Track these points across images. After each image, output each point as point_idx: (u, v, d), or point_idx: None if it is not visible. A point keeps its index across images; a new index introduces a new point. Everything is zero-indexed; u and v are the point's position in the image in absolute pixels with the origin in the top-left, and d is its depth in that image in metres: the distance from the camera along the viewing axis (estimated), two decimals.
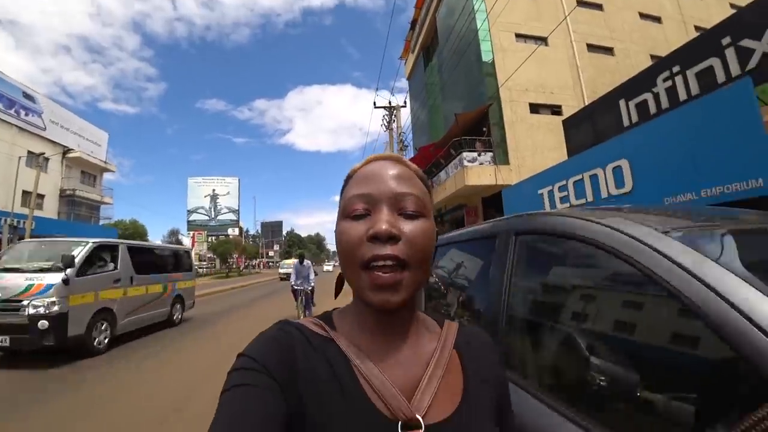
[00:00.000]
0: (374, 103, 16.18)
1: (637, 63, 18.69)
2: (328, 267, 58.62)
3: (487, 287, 1.55)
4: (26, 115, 23.10)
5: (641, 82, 8.59)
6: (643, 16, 21.56)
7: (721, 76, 6.89)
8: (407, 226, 0.51)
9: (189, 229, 60.86)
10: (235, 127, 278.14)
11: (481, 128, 16.01)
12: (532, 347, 1.34)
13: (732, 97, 4.49)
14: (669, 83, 7.87)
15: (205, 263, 50.58)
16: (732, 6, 26.00)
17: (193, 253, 39.20)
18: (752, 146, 4.22)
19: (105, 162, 29.60)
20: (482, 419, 0.55)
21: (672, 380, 0.88)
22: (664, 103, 7.89)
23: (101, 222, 29.64)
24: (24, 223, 18.78)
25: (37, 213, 20.14)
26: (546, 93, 16.69)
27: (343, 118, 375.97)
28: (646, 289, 0.95)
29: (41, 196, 22.89)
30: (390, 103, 15.86)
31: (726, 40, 6.84)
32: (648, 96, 8.36)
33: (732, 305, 0.71)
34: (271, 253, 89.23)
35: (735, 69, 6.69)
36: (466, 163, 14.14)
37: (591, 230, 1.11)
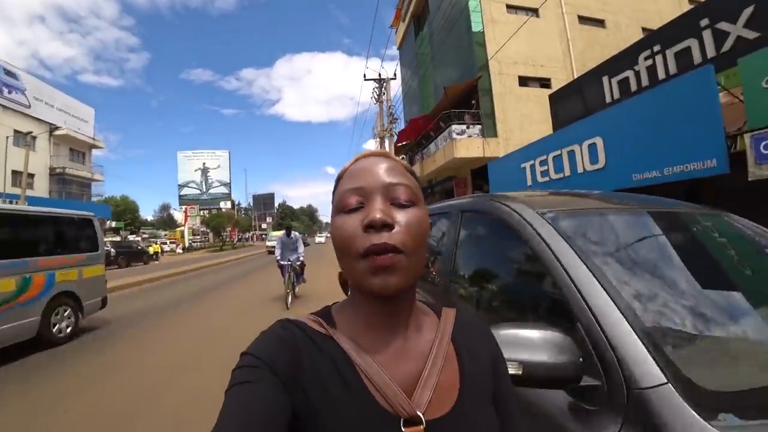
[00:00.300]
0: (364, 76, 16.22)
1: (628, 36, 18.54)
2: (320, 239, 54.80)
3: (444, 250, 2.18)
4: (9, 93, 22.68)
5: (623, 59, 8.81)
6: None
7: (697, 57, 7.16)
8: (400, 215, 0.52)
9: (180, 204, 60.77)
10: (223, 98, 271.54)
11: (470, 101, 16.14)
12: (467, 291, 1.94)
13: (694, 83, 4.82)
14: (650, 62, 8.12)
15: (198, 237, 50.83)
16: None
17: (186, 228, 39.17)
18: (709, 130, 4.59)
19: (93, 138, 29.28)
20: (481, 409, 0.57)
21: (530, 302, 1.48)
22: (644, 81, 8.16)
23: (93, 199, 29.59)
24: (17, 203, 18.85)
25: (28, 192, 20.17)
26: (536, 66, 16.76)
27: (335, 87, 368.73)
28: (527, 251, 1.38)
29: (31, 176, 22.76)
30: (380, 75, 15.88)
31: (704, 22, 7.07)
32: (629, 74, 8.61)
33: (561, 264, 1.18)
34: (264, 226, 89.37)
35: (711, 51, 6.97)
36: (455, 135, 14.39)
37: (500, 210, 1.62)
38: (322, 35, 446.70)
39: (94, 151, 30.32)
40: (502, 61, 15.75)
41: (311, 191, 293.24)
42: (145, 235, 46.03)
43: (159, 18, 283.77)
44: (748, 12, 6.36)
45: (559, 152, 7.31)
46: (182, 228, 58.28)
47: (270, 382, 0.47)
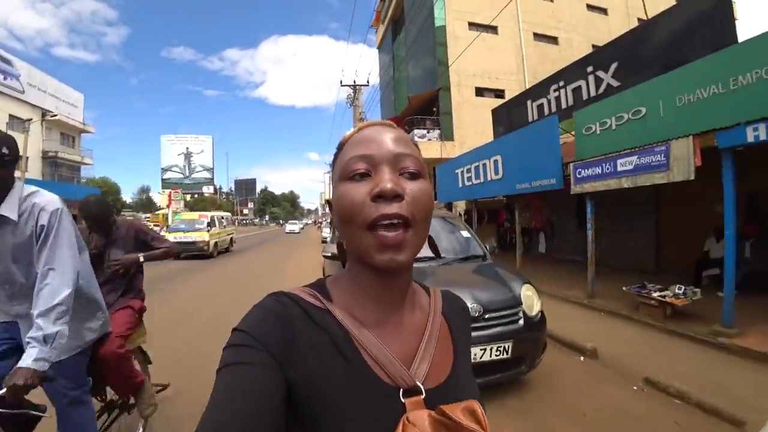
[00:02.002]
0: (341, 82, 18.27)
1: (579, 52, 20.75)
2: (292, 226, 45.60)
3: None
4: (5, 79, 23.82)
5: (541, 89, 11.26)
6: (590, 7, 23.78)
7: (585, 95, 9.62)
8: (409, 186, 0.51)
9: (163, 187, 61.56)
10: (205, 79, 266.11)
11: (431, 108, 18.45)
12: None
13: (545, 126, 7.26)
14: (557, 93, 10.58)
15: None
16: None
17: (170, 212, 40.51)
18: (552, 159, 7.02)
19: (83, 123, 30.48)
20: (469, 380, 0.61)
21: None
22: (554, 108, 10.62)
23: (82, 181, 30.92)
24: None
25: (17, 173, 21.56)
26: (492, 78, 19.14)
27: (320, 72, 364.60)
28: None
29: (23, 158, 24.09)
30: (354, 82, 17.97)
31: (590, 69, 9.53)
32: (544, 101, 11.07)
33: None
34: (245, 211, 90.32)
35: (591, 91, 9.42)
36: (416, 138, 16.70)
37: None
38: (309, 18, 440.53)
39: (83, 135, 31.46)
40: (461, 73, 18.06)
41: (293, 177, 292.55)
42: (129, 218, 46.92)
43: None
44: (614, 65, 8.82)
45: (477, 163, 9.72)
46: (165, 211, 59.21)
47: (262, 362, 0.46)
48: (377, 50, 33.22)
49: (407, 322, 0.58)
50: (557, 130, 7.11)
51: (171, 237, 13.05)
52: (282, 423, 0.46)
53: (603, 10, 24.41)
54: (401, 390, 0.50)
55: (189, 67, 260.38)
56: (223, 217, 17.88)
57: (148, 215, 61.55)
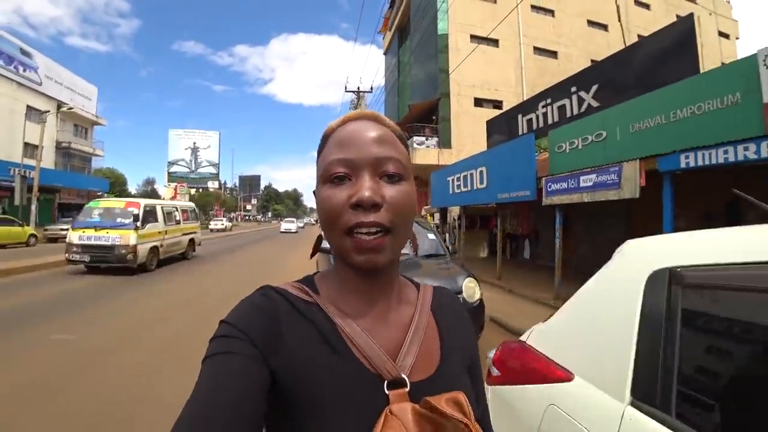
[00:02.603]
0: (345, 87, 19.08)
1: (578, 66, 21.53)
2: (287, 225, 39.92)
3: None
4: (24, 71, 24.78)
5: (531, 104, 12.00)
6: (591, 23, 24.54)
7: (572, 111, 10.34)
8: (389, 191, 0.51)
9: (169, 181, 62.63)
10: (214, 74, 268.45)
11: (431, 116, 19.23)
12: None
13: (522, 143, 8.00)
14: (544, 110, 11.30)
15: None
16: (678, 17, 29.40)
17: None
18: (528, 173, 7.75)
19: (96, 116, 31.44)
20: (459, 377, 0.59)
21: None
22: (541, 123, 11.33)
23: (93, 172, 31.88)
24: (31, 173, 21.28)
25: (33, 162, 22.43)
26: (491, 89, 19.90)
27: (329, 71, 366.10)
28: None
29: (37, 147, 25.03)
30: (358, 89, 18.77)
31: (573, 89, 10.24)
32: (533, 116, 11.79)
33: None
34: (248, 207, 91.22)
35: (574, 110, 10.15)
36: (415, 145, 17.47)
37: None
38: (320, 18, 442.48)
39: (95, 127, 32.41)
40: (461, 84, 18.84)
41: (297, 175, 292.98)
42: None
43: None
44: (595, 87, 9.56)
45: (466, 173, 10.47)
46: None
47: (246, 353, 0.47)
48: (384, 55, 34.03)
49: (394, 316, 0.58)
50: (533, 147, 7.86)
51: (75, 236, 9.61)
52: (262, 412, 0.46)
53: (603, 26, 25.14)
54: (386, 382, 0.50)
55: (198, 61, 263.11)
56: (178, 209, 12.66)
57: None
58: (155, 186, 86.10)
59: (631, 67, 8.54)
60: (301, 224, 51.39)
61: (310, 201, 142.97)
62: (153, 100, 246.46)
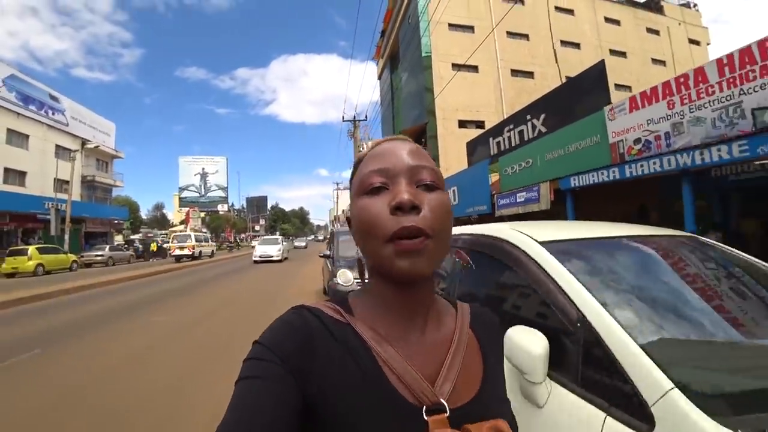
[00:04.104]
0: (342, 118, 21.39)
1: (553, 84, 23.68)
2: (265, 249, 24.44)
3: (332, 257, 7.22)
4: (53, 114, 27.47)
5: (499, 129, 14.04)
6: (564, 43, 26.74)
7: (528, 135, 12.39)
8: (427, 197, 0.51)
9: (181, 206, 65.39)
10: (217, 97, 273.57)
11: (421, 139, 21.40)
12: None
13: (480, 168, 10.08)
14: (510, 134, 13.34)
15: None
16: (648, 30, 31.58)
17: (189, 229, 43.59)
18: (484, 191, 9.81)
19: (115, 150, 34.09)
20: (501, 399, 0.58)
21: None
22: (506, 145, 13.37)
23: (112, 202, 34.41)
24: (63, 206, 23.68)
25: (64, 196, 24.83)
26: (473, 111, 22.07)
27: (329, 90, 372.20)
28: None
29: (66, 182, 27.50)
30: (354, 117, 21.04)
31: (528, 117, 12.29)
32: (501, 138, 13.83)
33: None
34: (257, 228, 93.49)
35: (530, 134, 12.21)
36: None
37: (335, 230, 6.73)
38: (319, 37, 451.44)
39: (115, 160, 35.04)
40: (445, 108, 21.04)
41: (303, 193, 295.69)
42: (150, 235, 50.40)
43: (153, 13, 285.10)
44: (543, 116, 11.62)
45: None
46: (180, 227, 62.95)
47: (279, 376, 0.47)
48: (378, 80, 36.53)
49: (431, 337, 0.56)
50: (487, 170, 9.95)
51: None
52: None
53: (576, 45, 27.37)
54: (424, 408, 0.49)
55: (201, 86, 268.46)
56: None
57: (164, 232, 65.53)
58: (164, 211, 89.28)
59: (565, 99, 10.62)
60: (303, 243, 45.06)
61: (316, 219, 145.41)
62: (158, 126, 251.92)
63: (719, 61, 4.60)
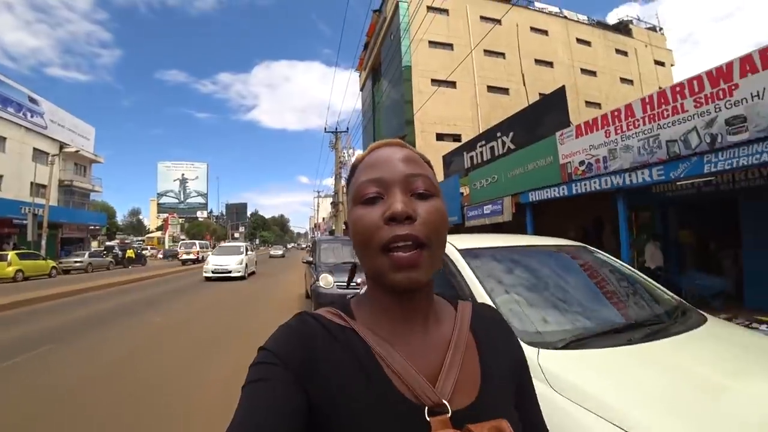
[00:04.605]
0: (325, 129, 22.02)
1: (527, 101, 24.93)
2: (218, 261, 16.21)
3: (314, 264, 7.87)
4: (32, 116, 27.17)
5: (474, 143, 14.95)
6: (538, 61, 28.11)
7: (498, 151, 13.30)
8: (421, 207, 0.52)
9: (159, 212, 64.64)
10: (198, 101, 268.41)
11: None
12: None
13: (452, 182, 10.90)
14: (482, 149, 14.25)
15: (178, 244, 54.90)
16: (617, 51, 33.47)
17: (167, 236, 43.29)
18: (456, 203, 10.60)
19: (94, 154, 33.78)
20: (503, 400, 0.57)
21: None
22: (478, 159, 14.28)
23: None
24: (40, 211, 23.50)
25: (41, 200, 24.59)
26: (450, 125, 23.04)
27: (312, 96, 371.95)
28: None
29: (44, 187, 27.21)
30: (336, 128, 21.72)
31: (499, 134, 13.21)
32: (474, 153, 14.74)
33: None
34: (236, 235, 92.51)
35: (500, 150, 13.12)
36: None
37: (317, 238, 7.38)
38: (302, 44, 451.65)
39: (93, 165, 34.71)
40: (424, 122, 21.93)
41: (283, 200, 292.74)
42: (127, 241, 49.64)
43: (134, 14, 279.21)
44: (511, 134, 12.52)
45: None
46: (157, 234, 62.17)
47: (284, 380, 0.48)
48: (360, 91, 37.38)
49: (432, 339, 0.57)
50: (458, 184, 10.78)
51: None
52: None
53: (549, 63, 28.80)
54: (426, 408, 0.49)
55: (181, 89, 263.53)
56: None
57: (140, 238, 64.39)
58: (140, 216, 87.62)
59: (531, 119, 11.57)
60: (280, 251, 43.08)
61: (296, 227, 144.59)
62: (134, 129, 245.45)
63: (642, 99, 5.51)
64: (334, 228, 26.15)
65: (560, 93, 10.73)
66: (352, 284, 1.51)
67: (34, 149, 27.24)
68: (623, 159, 5.75)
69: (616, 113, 5.89)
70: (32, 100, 27.57)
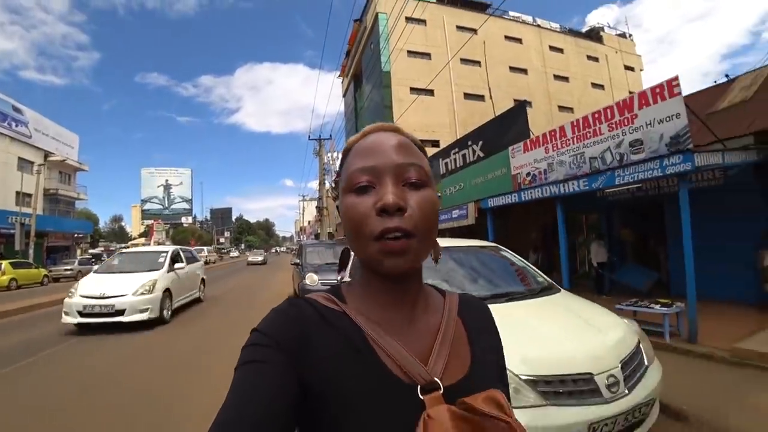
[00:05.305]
0: (309, 136, 22.94)
1: (503, 106, 25.84)
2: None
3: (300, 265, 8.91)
4: (16, 126, 27.41)
5: (448, 150, 16.04)
6: (512, 69, 29.50)
7: (469, 159, 14.41)
8: (413, 197, 0.52)
9: (143, 218, 64.46)
10: (179, 105, 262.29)
11: None
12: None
13: None
14: (455, 156, 15.33)
15: None
16: (589, 57, 35.18)
17: (153, 242, 43.49)
18: None
19: (79, 162, 34.00)
20: (491, 380, 0.58)
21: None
22: (452, 166, 15.37)
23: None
24: (27, 220, 23.85)
25: (28, 210, 24.89)
26: (429, 131, 24.18)
27: (296, 99, 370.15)
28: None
29: (29, 195, 27.44)
30: (320, 136, 22.66)
31: (470, 142, 14.32)
32: (449, 159, 15.82)
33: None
34: (221, 240, 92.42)
35: (471, 157, 14.24)
36: None
37: (303, 242, 8.41)
38: (286, 46, 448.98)
39: (78, 173, 34.90)
40: (403, 127, 22.88)
41: (268, 204, 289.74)
42: (112, 249, 49.46)
43: (113, 16, 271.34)
44: (481, 143, 13.66)
45: None
46: (141, 240, 61.91)
47: (277, 361, 0.48)
48: (342, 97, 38.33)
49: (421, 323, 0.59)
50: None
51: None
52: (293, 420, 0.47)
53: (523, 71, 30.23)
54: (419, 387, 0.51)
55: (162, 92, 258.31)
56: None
57: (124, 245, 63.75)
58: (123, 223, 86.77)
59: (496, 131, 12.70)
60: (259, 257, 36.55)
61: (282, 230, 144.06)
62: (114, 134, 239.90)
63: (572, 123, 6.65)
64: (319, 232, 27.03)
65: (521, 107, 11.90)
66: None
67: (19, 158, 27.50)
68: (558, 172, 6.88)
69: (552, 133, 7.02)
70: (16, 110, 27.83)
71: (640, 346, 2.43)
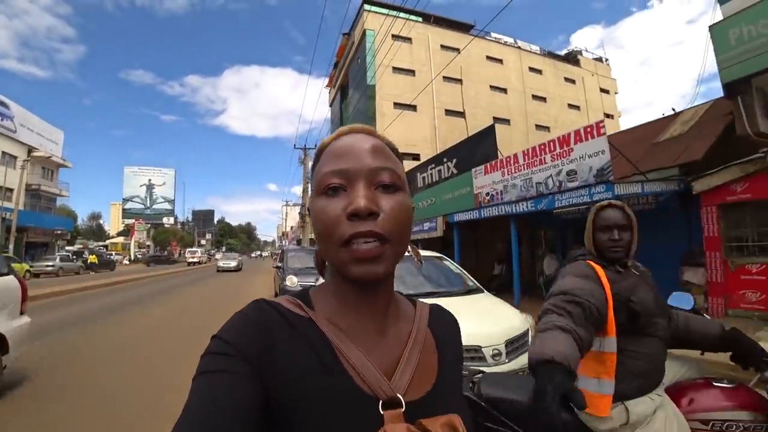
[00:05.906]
0: (294, 145, 23.70)
1: (482, 123, 26.82)
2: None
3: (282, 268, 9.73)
4: (2, 120, 27.47)
5: (426, 165, 17.03)
6: (492, 88, 30.88)
7: (444, 174, 15.42)
8: (385, 201, 0.51)
9: (124, 217, 63.77)
10: (164, 103, 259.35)
11: None
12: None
13: None
14: (432, 171, 16.32)
15: (144, 250, 54.63)
16: (566, 79, 36.97)
17: (133, 242, 43.40)
18: None
19: (63, 159, 33.98)
20: (455, 395, 0.59)
21: None
22: (429, 180, 16.36)
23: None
24: (9, 215, 23.94)
25: (9, 205, 24.97)
26: (410, 145, 25.20)
27: (282, 104, 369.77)
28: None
29: (11, 190, 27.42)
30: (305, 145, 23.45)
31: (445, 159, 15.34)
32: (426, 174, 16.81)
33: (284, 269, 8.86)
34: (203, 242, 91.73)
35: (446, 173, 15.25)
36: None
37: (285, 248, 9.22)
38: (274, 50, 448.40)
39: (60, 169, 34.84)
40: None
41: (251, 208, 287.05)
42: (91, 246, 49.00)
43: (100, 10, 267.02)
44: (455, 160, 14.67)
45: None
46: (119, 239, 61.49)
47: (238, 371, 0.46)
48: (329, 107, 39.27)
49: (391, 332, 0.57)
50: None
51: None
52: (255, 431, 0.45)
53: (503, 90, 31.66)
54: (380, 401, 0.49)
55: (147, 90, 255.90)
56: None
57: (102, 243, 62.99)
58: (101, 221, 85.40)
59: (468, 150, 13.74)
60: (233, 262, 29.91)
61: (264, 234, 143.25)
62: (95, 129, 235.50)
63: (524, 151, 7.68)
64: (301, 237, 27.70)
65: (491, 128, 12.94)
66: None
67: (3, 153, 27.50)
68: (511, 193, 7.89)
69: (507, 159, 8.05)
70: (2, 104, 27.88)
71: (529, 332, 3.36)
